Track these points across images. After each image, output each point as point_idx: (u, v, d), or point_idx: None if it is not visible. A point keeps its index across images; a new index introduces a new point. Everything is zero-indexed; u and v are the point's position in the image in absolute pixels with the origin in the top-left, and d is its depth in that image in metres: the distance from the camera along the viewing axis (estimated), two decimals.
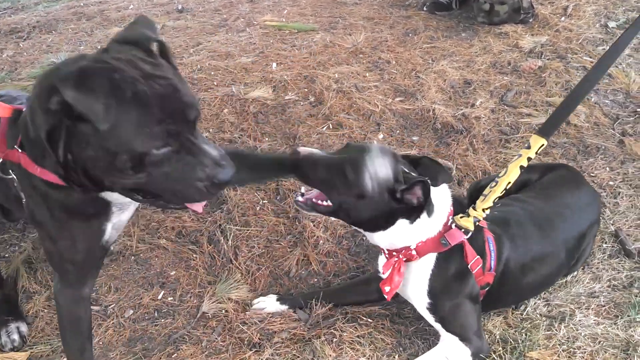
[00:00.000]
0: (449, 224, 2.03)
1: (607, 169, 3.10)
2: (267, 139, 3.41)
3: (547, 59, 4.04)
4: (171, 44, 4.49)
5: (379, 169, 1.90)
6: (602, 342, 2.15)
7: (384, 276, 2.10)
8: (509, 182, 2.05)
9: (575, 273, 2.46)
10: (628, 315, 2.25)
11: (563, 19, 4.53)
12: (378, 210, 1.94)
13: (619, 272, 2.48)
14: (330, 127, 3.50)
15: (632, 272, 2.47)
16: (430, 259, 2.05)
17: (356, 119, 3.54)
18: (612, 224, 2.71)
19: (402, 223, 1.98)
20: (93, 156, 1.41)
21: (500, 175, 2.08)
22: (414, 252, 2.01)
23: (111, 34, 4.72)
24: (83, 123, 1.35)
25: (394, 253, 2.07)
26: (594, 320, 2.25)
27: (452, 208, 2.06)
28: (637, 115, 3.50)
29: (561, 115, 2.13)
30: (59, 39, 4.76)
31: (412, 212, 1.96)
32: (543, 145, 2.06)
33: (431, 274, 2.05)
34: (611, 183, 2.98)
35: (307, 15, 4.91)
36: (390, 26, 4.63)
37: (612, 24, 4.42)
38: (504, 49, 4.21)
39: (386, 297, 2.10)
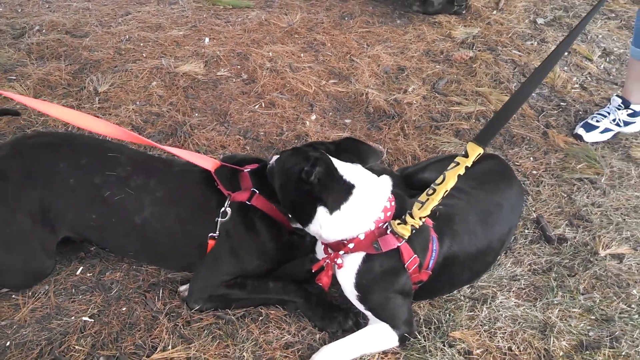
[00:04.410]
0: (384, 227, 2.01)
1: (531, 158, 3.19)
2: (196, 114, 3.31)
3: (478, 50, 4.13)
4: (98, 12, 4.29)
5: (287, 157, 2.06)
6: (521, 323, 2.21)
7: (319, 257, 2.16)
8: (446, 191, 2.03)
9: (499, 257, 2.52)
10: (546, 298, 2.33)
11: (495, 12, 4.64)
12: (296, 194, 2.00)
13: (539, 257, 2.55)
14: (263, 105, 3.44)
15: (551, 257, 2.55)
16: (358, 256, 2.03)
17: (289, 99, 3.50)
18: (534, 211, 2.79)
19: (322, 213, 1.97)
20: None
21: (437, 182, 2.04)
22: (350, 246, 2.00)
23: None
24: None
25: (330, 250, 2.08)
26: (515, 302, 2.31)
27: (392, 205, 2.05)
28: (560, 109, 3.62)
29: (497, 124, 2.12)
30: None
31: (328, 199, 1.96)
32: (480, 153, 2.06)
33: (358, 270, 2.03)
34: (534, 172, 3.08)
35: None
36: (327, 8, 4.60)
37: (540, 21, 4.56)
38: (437, 38, 4.27)
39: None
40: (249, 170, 2.28)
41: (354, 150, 2.14)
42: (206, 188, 2.25)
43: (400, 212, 2.04)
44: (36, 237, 2.13)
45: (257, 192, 2.21)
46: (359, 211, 1.99)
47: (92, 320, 2.16)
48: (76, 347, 2.04)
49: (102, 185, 2.16)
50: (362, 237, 1.99)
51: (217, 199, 2.22)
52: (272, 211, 2.21)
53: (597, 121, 3.34)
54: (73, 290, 2.29)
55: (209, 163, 2.27)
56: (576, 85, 3.85)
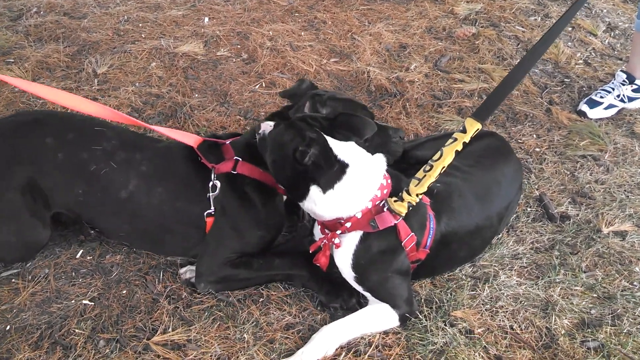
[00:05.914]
0: (381, 205, 1.99)
1: (534, 136, 3.16)
2: (196, 95, 3.29)
3: (481, 27, 4.07)
4: None
5: (281, 132, 2.02)
6: (523, 302, 2.20)
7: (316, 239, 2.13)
8: (444, 167, 2.02)
9: (500, 235, 2.50)
10: (548, 276, 2.32)
11: None
12: (290, 172, 1.97)
13: (541, 235, 2.54)
14: (263, 85, 3.41)
15: (553, 235, 2.53)
16: (355, 235, 2.02)
17: (290, 78, 3.47)
18: (537, 189, 2.77)
19: (315, 192, 1.95)
20: None
21: (434, 158, 2.02)
22: (347, 225, 1.98)
23: None
24: None
25: (326, 231, 2.06)
26: (517, 280, 2.30)
27: (387, 183, 2.03)
28: (564, 85, 3.58)
29: (496, 100, 2.10)
30: None
31: (321, 179, 1.93)
32: (478, 129, 2.04)
33: (355, 250, 2.02)
34: (537, 149, 3.05)
35: None
36: None
37: None
38: (439, 15, 4.21)
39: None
40: (230, 141, 2.28)
41: (348, 126, 2.09)
42: (192, 164, 2.24)
43: (397, 190, 2.02)
44: (28, 209, 2.11)
45: (241, 159, 2.19)
46: (354, 190, 1.97)
47: (92, 303, 2.16)
48: (76, 330, 2.04)
49: (88, 159, 2.14)
50: (359, 215, 1.97)
51: (204, 174, 2.21)
52: (260, 175, 2.19)
53: (601, 97, 3.30)
54: (73, 273, 2.29)
55: (191, 139, 2.27)
56: (580, 61, 3.80)
